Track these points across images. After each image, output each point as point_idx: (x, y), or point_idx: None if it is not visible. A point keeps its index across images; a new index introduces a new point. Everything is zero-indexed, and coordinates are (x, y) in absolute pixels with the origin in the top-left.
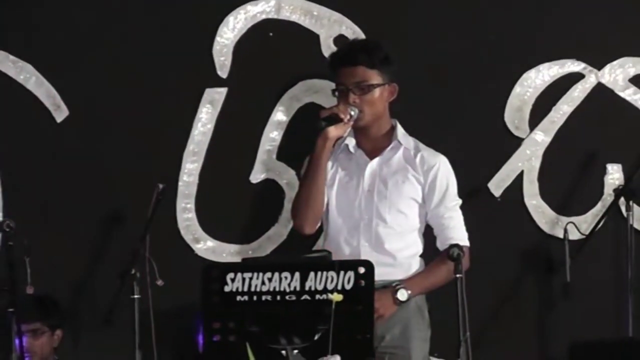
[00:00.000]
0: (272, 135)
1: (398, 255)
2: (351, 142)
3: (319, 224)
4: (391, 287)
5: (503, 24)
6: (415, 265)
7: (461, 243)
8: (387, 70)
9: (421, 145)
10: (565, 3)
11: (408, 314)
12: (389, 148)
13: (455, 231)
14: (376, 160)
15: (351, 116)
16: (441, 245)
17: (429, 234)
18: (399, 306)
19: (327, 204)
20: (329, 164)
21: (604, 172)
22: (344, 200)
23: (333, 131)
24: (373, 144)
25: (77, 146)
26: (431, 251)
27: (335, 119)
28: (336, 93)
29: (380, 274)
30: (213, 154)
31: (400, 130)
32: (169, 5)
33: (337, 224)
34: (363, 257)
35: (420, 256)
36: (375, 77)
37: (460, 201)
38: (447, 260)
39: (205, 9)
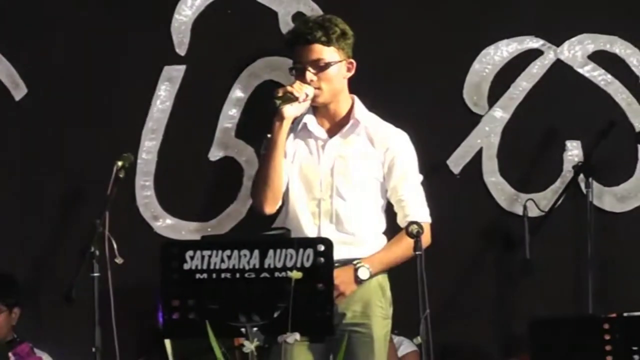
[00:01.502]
0: (230, 113)
1: (359, 233)
2: (310, 119)
3: (279, 204)
4: (352, 265)
5: None
6: (377, 243)
7: (422, 219)
8: (344, 47)
9: (381, 122)
10: None
11: (370, 291)
12: (348, 125)
13: (415, 208)
14: (336, 138)
15: (307, 95)
16: (401, 222)
17: (391, 211)
18: (360, 284)
19: (288, 183)
20: (289, 142)
21: (563, 148)
22: (305, 179)
23: (289, 110)
24: (332, 121)
25: (36, 124)
26: (395, 228)
27: (290, 98)
28: (293, 71)
29: (342, 253)
30: (172, 131)
31: (359, 107)
32: None
33: (298, 203)
34: (324, 236)
35: (383, 234)
36: (332, 54)
37: (421, 177)
38: (408, 237)
39: None
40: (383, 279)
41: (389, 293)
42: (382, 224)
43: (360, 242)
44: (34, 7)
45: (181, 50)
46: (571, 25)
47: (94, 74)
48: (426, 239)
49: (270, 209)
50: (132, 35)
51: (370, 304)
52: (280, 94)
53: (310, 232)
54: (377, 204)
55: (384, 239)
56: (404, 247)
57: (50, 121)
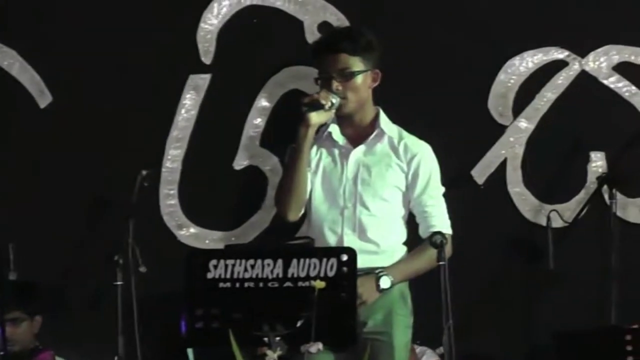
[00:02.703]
0: (255, 122)
1: (382, 243)
2: (335, 129)
3: (302, 212)
4: (374, 274)
5: (487, 10)
6: (398, 253)
7: (444, 231)
8: (369, 57)
9: (404, 133)
10: None
11: (391, 300)
12: (372, 136)
13: (438, 219)
14: (360, 148)
15: (332, 103)
16: (424, 233)
17: (412, 222)
18: (381, 293)
19: (311, 192)
20: (313, 151)
21: (587, 159)
22: (328, 187)
23: (315, 118)
24: (357, 131)
25: (61, 132)
26: (415, 239)
27: (317, 106)
28: (319, 81)
29: (364, 262)
30: (197, 140)
31: (383, 118)
32: None
33: (321, 212)
34: (346, 245)
35: (404, 244)
36: (357, 64)
37: (443, 189)
38: (430, 247)
39: None
40: (405, 288)
41: (410, 302)
42: (404, 234)
43: (383, 251)
44: (60, 16)
45: (207, 59)
46: (596, 36)
47: (119, 82)
48: (448, 250)
49: (293, 215)
50: (158, 44)
51: (391, 313)
52: (307, 101)
53: (333, 241)
54: (400, 214)
55: (405, 249)
56: (426, 257)
57: (75, 129)
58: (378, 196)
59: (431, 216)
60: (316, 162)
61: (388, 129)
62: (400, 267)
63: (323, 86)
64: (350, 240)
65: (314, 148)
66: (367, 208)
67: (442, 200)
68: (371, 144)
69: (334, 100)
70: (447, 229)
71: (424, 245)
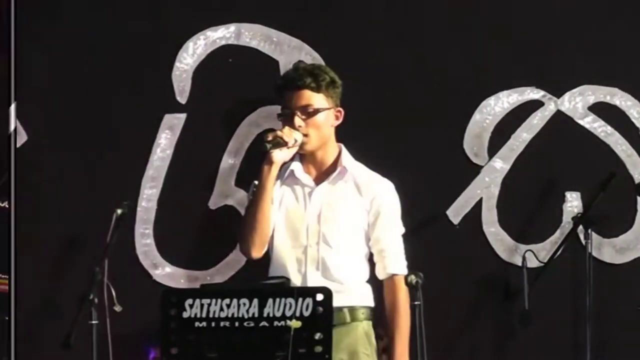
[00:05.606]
0: (231, 161)
1: (345, 281)
2: (297, 167)
3: (265, 249)
4: None
5: (462, 50)
6: (362, 290)
7: (401, 272)
8: (333, 94)
9: (367, 170)
10: (524, 31)
11: (355, 340)
12: (335, 173)
13: (395, 260)
14: (322, 185)
15: (296, 141)
16: (380, 273)
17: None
18: (346, 333)
19: (274, 230)
20: (276, 188)
21: (562, 200)
22: (291, 226)
23: (278, 155)
24: (319, 169)
25: (36, 171)
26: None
27: (280, 143)
28: (281, 117)
29: None
30: (172, 179)
31: (346, 155)
32: (129, 31)
33: (284, 250)
34: (310, 284)
35: (367, 282)
36: (320, 101)
37: (403, 229)
38: (407, 286)
39: (165, 35)
40: (368, 327)
41: (374, 341)
42: (367, 272)
43: (348, 290)
44: (34, 54)
45: (182, 99)
46: (572, 76)
47: (94, 121)
48: (404, 292)
49: (257, 253)
50: (133, 83)
51: (356, 352)
52: (270, 139)
53: (296, 279)
54: (362, 251)
55: (369, 287)
56: (406, 314)
57: (50, 168)
58: (341, 234)
59: (389, 256)
60: (279, 200)
61: (350, 167)
62: (404, 347)
63: (285, 122)
64: (313, 278)
65: (277, 186)
66: (330, 246)
67: (401, 240)
68: (333, 182)
69: (297, 137)
70: (403, 270)
71: (396, 309)
